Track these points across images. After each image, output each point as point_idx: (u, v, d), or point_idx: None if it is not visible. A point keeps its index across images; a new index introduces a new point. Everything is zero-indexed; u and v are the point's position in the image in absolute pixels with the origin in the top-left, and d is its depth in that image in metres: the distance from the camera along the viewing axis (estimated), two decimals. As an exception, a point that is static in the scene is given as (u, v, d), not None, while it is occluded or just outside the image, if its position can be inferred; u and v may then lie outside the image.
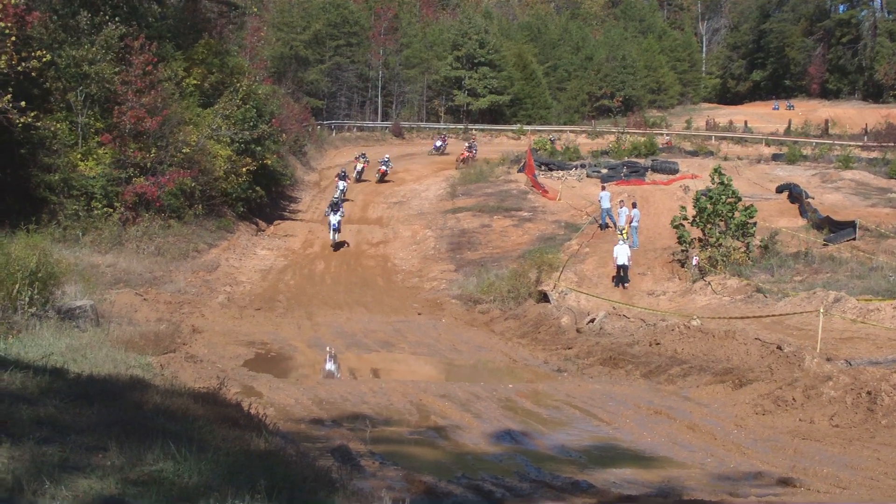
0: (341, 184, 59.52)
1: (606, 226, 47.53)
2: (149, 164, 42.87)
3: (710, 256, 37.98)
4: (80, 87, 41.19)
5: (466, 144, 79.49)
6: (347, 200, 57.00)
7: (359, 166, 68.52)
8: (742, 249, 38.56)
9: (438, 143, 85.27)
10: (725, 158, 73.72)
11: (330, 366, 26.75)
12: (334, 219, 48.00)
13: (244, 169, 49.98)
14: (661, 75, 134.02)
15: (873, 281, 33.80)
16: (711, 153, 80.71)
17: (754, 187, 59.53)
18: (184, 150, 44.40)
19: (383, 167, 69.05)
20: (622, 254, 39.23)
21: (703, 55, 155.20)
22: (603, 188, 51.52)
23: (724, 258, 37.81)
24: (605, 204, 48.62)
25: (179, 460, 7.96)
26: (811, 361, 20.89)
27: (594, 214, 51.74)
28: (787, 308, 30.57)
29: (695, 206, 39.28)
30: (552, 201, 57.30)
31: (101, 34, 42.45)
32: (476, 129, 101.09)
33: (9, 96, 34.59)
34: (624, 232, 42.04)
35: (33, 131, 37.52)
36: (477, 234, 51.07)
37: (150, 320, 28.86)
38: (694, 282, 37.17)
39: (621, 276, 39.73)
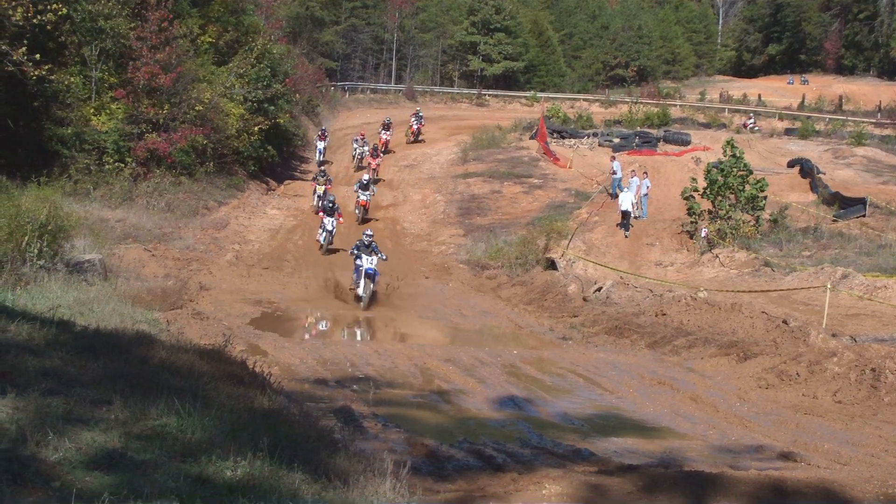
0: (358, 148, 58.59)
1: (617, 195, 47.55)
2: (161, 121, 42.87)
3: (719, 229, 37.95)
4: (95, 42, 41.13)
5: (412, 116, 72.15)
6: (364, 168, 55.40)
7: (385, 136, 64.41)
8: (751, 223, 38.51)
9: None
10: (738, 131, 73.39)
11: (334, 326, 26.84)
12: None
13: (256, 128, 49.98)
14: (677, 46, 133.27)
15: (881, 258, 33.78)
16: (724, 125, 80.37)
17: (766, 161, 59.36)
18: (197, 108, 44.38)
19: (415, 124, 69.08)
20: (626, 200, 40.22)
21: (720, 27, 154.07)
22: (613, 158, 51.36)
23: (733, 231, 37.77)
24: (620, 174, 48.49)
25: (183, 416, 8.00)
26: (816, 337, 20.92)
27: (604, 183, 51.63)
28: (794, 283, 30.58)
29: (706, 178, 39.21)
30: (563, 169, 57.13)
31: (117, -12, 42.37)
32: (489, 95, 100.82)
33: (24, 49, 34.53)
34: (634, 203, 42.20)
35: (47, 84, 37.49)
36: (487, 200, 51.01)
37: (157, 276, 28.94)
38: (702, 254, 37.15)
39: (624, 223, 41.02)
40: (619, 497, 10.08)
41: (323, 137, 60.14)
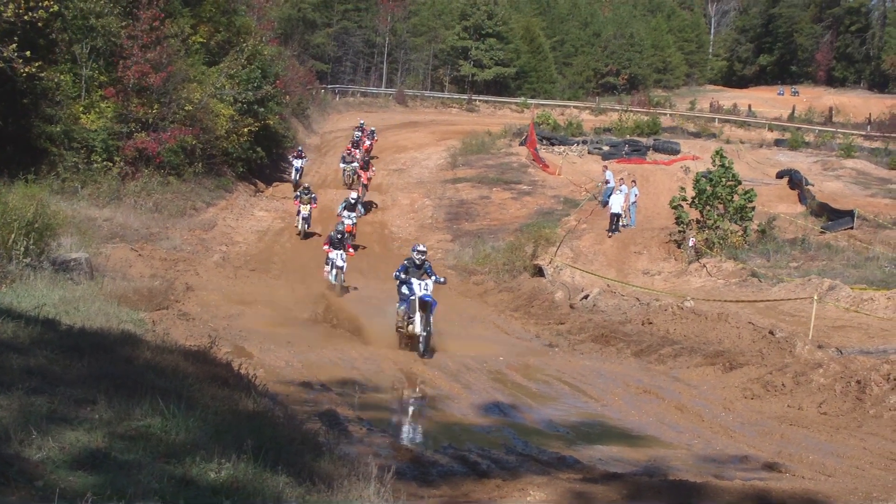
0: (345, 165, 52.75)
1: (608, 203, 47.56)
2: (151, 120, 42.82)
3: (706, 238, 37.99)
4: (86, 40, 41.07)
5: (356, 130, 65.37)
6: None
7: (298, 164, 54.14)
8: (739, 233, 38.56)
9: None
10: (728, 141, 73.47)
11: (320, 328, 26.65)
12: (305, 209, 41.98)
13: (246, 129, 49.94)
14: (668, 55, 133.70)
15: (868, 270, 33.83)
16: (714, 135, 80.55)
17: (755, 171, 59.47)
18: (186, 108, 44.35)
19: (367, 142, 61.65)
20: (616, 202, 40.87)
21: (711, 37, 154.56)
22: (605, 168, 51.42)
23: (721, 241, 37.82)
24: (613, 183, 48.49)
25: (168, 417, 7.98)
26: (802, 348, 20.94)
27: (593, 191, 51.69)
28: (781, 294, 30.61)
29: (694, 188, 39.27)
30: (552, 176, 57.23)
31: (109, -13, 42.34)
32: (480, 101, 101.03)
33: (14, 45, 34.44)
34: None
35: (37, 82, 37.42)
36: (475, 206, 51.05)
37: (144, 276, 28.86)
38: (689, 263, 37.19)
39: (613, 225, 41.91)
40: (604, 505, 10.08)
41: (299, 156, 53.65)
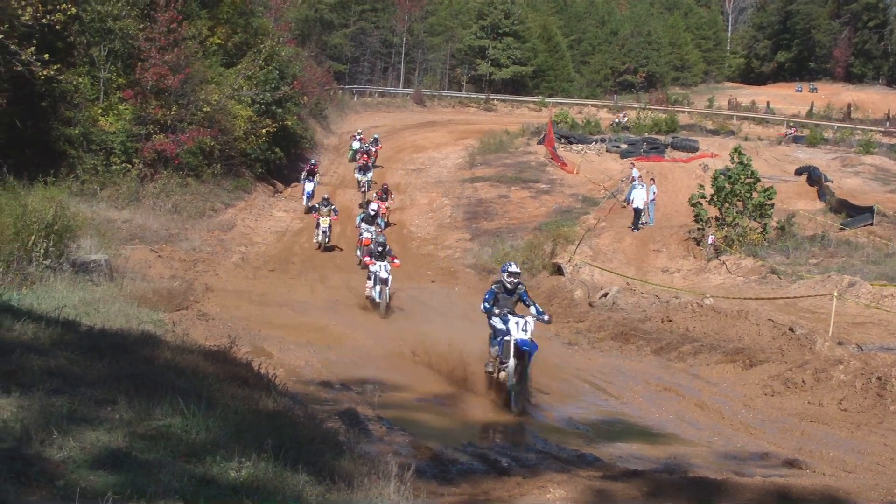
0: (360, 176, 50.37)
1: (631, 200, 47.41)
2: (169, 122, 42.89)
3: (725, 236, 37.87)
4: (104, 43, 41.15)
5: (354, 139, 63.94)
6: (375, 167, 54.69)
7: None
8: (758, 230, 38.41)
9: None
10: (746, 139, 73.23)
11: (342, 328, 26.55)
12: (325, 222, 39.50)
13: (264, 130, 49.94)
14: (686, 53, 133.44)
15: (888, 267, 33.68)
16: (732, 133, 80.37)
17: (773, 168, 59.33)
18: (204, 109, 44.42)
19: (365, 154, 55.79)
20: (638, 197, 40.96)
21: (729, 34, 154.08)
22: (632, 165, 51.31)
23: (740, 238, 37.70)
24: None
25: (188, 416, 8.00)
26: (822, 345, 20.89)
27: (612, 189, 51.63)
28: (800, 290, 30.50)
29: (713, 185, 39.14)
30: (570, 174, 57.20)
31: (126, -11, 42.44)
32: (498, 100, 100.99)
33: (32, 49, 34.51)
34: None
35: (55, 85, 37.52)
36: (494, 205, 51.00)
37: (163, 277, 28.95)
38: (709, 260, 37.07)
39: (636, 222, 42.19)
40: (624, 502, 10.07)
41: (312, 173, 48.99)
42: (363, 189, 49.94)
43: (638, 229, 41.84)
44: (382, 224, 37.75)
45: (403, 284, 32.02)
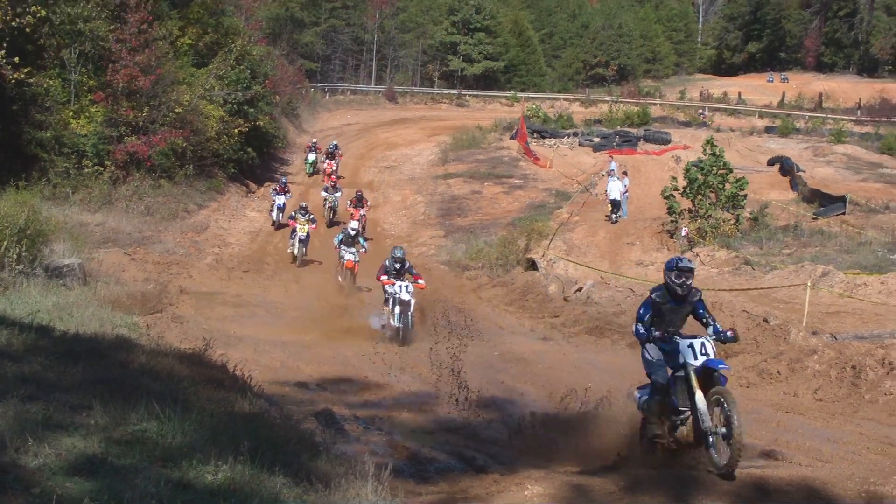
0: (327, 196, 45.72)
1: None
2: (141, 124, 42.76)
3: (699, 228, 38.02)
4: (75, 45, 41.02)
5: (309, 150, 58.47)
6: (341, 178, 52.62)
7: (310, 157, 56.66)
8: (731, 221, 38.57)
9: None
10: (718, 130, 73.43)
11: (315, 327, 26.42)
12: (302, 230, 36.54)
13: (236, 130, 49.81)
14: (657, 45, 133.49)
15: (861, 255, 33.87)
16: (705, 124, 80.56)
17: (746, 159, 59.49)
18: (176, 110, 44.28)
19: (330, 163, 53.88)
20: (614, 189, 40.95)
21: (700, 25, 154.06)
22: (611, 158, 51.39)
23: (714, 230, 37.85)
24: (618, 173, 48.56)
25: (163, 420, 8.00)
26: (797, 335, 20.96)
27: (584, 183, 51.74)
28: (774, 281, 30.61)
29: (686, 177, 39.28)
30: (544, 169, 57.32)
31: (96, -9, 42.27)
32: (470, 95, 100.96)
33: (2, 52, 34.45)
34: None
35: (26, 88, 37.39)
36: (467, 201, 51.05)
37: (137, 280, 28.84)
38: (683, 252, 37.16)
39: (614, 213, 42.73)
40: (602, 497, 10.09)
41: (283, 191, 45.31)
42: (328, 210, 44.35)
43: (615, 222, 42.05)
44: (364, 245, 33.05)
45: (377, 282, 31.87)
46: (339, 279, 32.49)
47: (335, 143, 56.47)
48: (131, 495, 6.16)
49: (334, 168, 52.77)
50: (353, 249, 32.13)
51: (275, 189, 45.91)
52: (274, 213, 44.97)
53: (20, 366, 9.50)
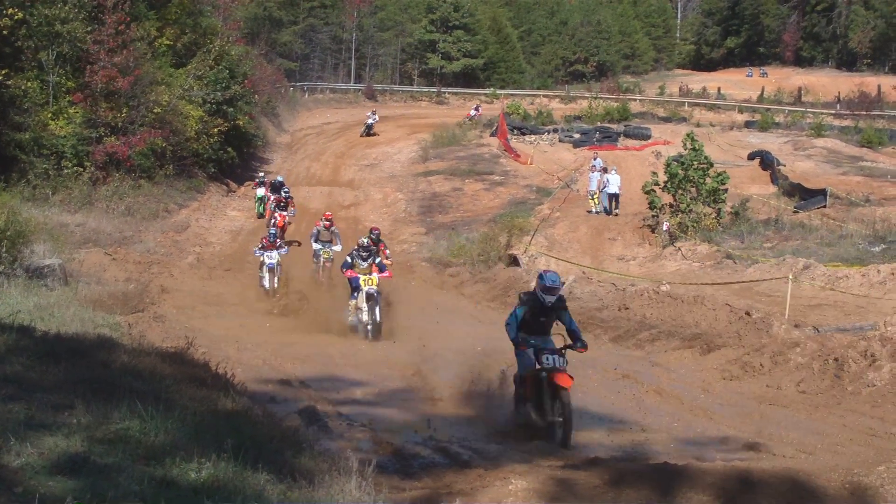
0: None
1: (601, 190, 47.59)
2: (120, 124, 42.73)
3: (680, 222, 38.06)
4: (52, 46, 41.01)
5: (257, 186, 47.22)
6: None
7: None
8: (713, 216, 38.63)
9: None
10: (698, 125, 73.45)
11: (299, 325, 26.37)
12: (271, 256, 30.60)
13: (215, 130, 49.81)
14: (636, 41, 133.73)
15: (842, 248, 33.93)
16: (684, 119, 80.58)
17: (726, 154, 59.55)
18: (155, 111, 44.28)
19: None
20: (613, 183, 43.04)
21: (678, 21, 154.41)
22: (595, 155, 51.41)
23: (695, 224, 37.89)
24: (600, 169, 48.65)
25: (146, 419, 7.96)
26: (779, 328, 21.03)
27: (565, 179, 51.79)
28: (756, 274, 30.67)
29: (666, 172, 39.32)
30: (524, 165, 57.35)
31: (74, -7, 42.17)
32: (449, 93, 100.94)
33: (-21, 55, 34.40)
34: (595, 197, 42.87)
35: (4, 90, 37.36)
36: (448, 198, 51.04)
37: (118, 280, 28.82)
38: (664, 247, 37.25)
39: (612, 206, 43.64)
40: (586, 491, 10.07)
41: (261, 184, 45.44)
42: (319, 265, 32.69)
43: (615, 214, 42.86)
44: (286, 249, 31.83)
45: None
46: (319, 274, 31.79)
47: (281, 178, 47.06)
48: (114, 493, 6.13)
49: (287, 220, 41.64)
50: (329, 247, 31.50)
51: (255, 184, 47.48)
52: (258, 205, 45.70)
53: (1, 366, 9.47)
